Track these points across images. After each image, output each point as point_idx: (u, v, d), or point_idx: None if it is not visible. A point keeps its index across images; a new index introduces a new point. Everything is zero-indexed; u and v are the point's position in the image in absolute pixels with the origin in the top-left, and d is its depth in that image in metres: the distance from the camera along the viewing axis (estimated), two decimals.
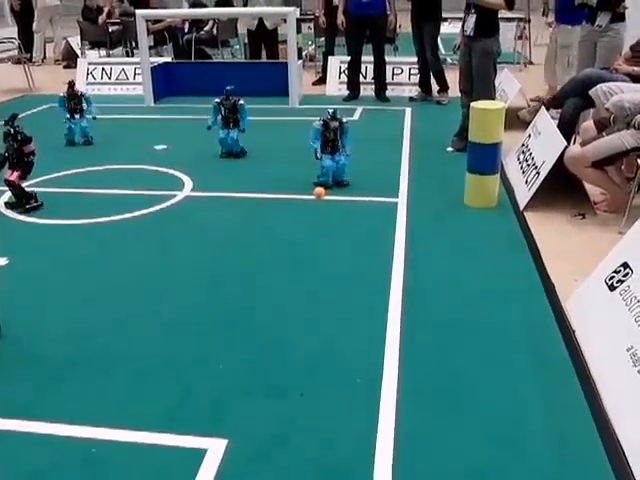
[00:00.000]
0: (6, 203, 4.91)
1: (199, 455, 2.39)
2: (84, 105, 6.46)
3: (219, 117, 6.00)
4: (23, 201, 4.82)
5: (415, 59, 8.30)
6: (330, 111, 5.07)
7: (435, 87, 8.31)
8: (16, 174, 4.72)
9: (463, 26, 5.88)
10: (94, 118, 6.52)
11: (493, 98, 5.71)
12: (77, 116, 6.47)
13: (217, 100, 6.00)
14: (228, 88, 5.94)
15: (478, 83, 5.74)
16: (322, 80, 9.49)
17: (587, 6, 6.33)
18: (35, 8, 11.87)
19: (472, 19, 5.68)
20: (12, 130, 4.67)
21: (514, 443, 2.44)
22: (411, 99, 8.38)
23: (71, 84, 6.52)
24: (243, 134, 6.04)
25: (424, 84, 8.33)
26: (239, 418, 2.60)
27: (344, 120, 5.12)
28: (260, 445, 2.45)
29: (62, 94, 6.47)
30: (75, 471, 2.35)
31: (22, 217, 4.70)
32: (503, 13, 6.17)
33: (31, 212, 4.77)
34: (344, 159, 5.13)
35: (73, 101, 6.44)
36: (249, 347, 3.09)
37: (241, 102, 5.99)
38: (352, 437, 2.48)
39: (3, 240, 4.33)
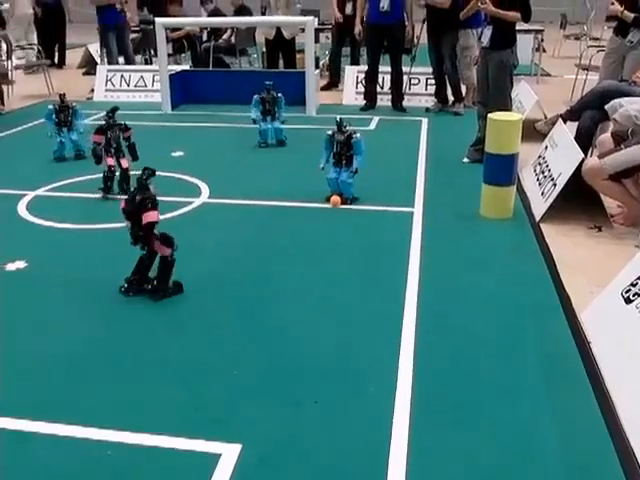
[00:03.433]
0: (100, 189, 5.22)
1: (213, 460, 2.40)
2: (74, 118, 6.15)
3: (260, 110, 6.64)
4: (125, 187, 5.16)
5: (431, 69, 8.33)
6: (337, 121, 4.90)
7: (451, 98, 8.33)
8: (126, 160, 5.19)
9: (480, 38, 5.90)
10: (81, 133, 6.22)
11: (509, 110, 5.70)
12: (65, 129, 6.16)
13: (257, 96, 6.61)
14: (267, 83, 6.60)
15: (494, 95, 5.75)
16: (331, 85, 9.63)
17: (620, 19, 6.38)
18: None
19: (489, 31, 5.70)
20: (115, 121, 5.17)
21: (528, 456, 2.43)
22: (427, 110, 8.39)
23: (61, 96, 6.18)
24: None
25: (440, 94, 8.34)
26: (253, 424, 2.61)
27: (355, 135, 4.90)
28: (274, 451, 2.46)
29: (51, 105, 6.15)
30: (90, 473, 2.37)
31: (41, 221, 4.75)
32: (520, 25, 6.19)
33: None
34: (346, 176, 4.95)
35: (63, 113, 6.10)
36: (264, 354, 3.10)
37: (279, 95, 6.61)
38: (365, 446, 2.48)
39: (22, 243, 4.38)
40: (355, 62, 9.81)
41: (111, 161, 5.15)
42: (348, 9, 9.32)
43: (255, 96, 6.65)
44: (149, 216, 3.43)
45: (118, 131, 5.18)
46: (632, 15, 6.26)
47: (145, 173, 3.52)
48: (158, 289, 3.62)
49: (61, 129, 6.18)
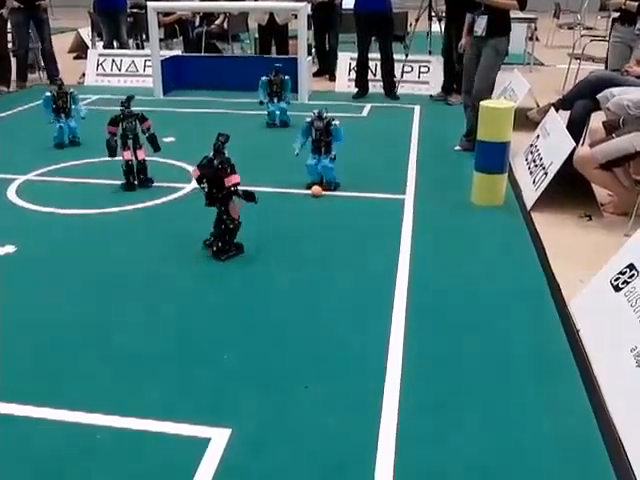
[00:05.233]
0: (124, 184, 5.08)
1: (203, 444, 2.40)
2: (71, 104, 6.10)
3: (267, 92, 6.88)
4: (143, 177, 5.10)
5: (425, 57, 8.32)
6: (315, 111, 4.92)
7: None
8: (143, 152, 5.04)
9: (472, 27, 5.75)
10: (83, 118, 6.21)
11: (489, 97, 5.64)
12: (63, 116, 6.08)
13: (265, 78, 6.82)
14: (277, 65, 6.84)
15: (480, 81, 5.68)
16: (321, 72, 9.72)
17: (624, 10, 6.41)
18: None
19: (483, 19, 5.60)
20: (131, 111, 4.96)
21: (515, 443, 2.45)
22: (431, 97, 8.35)
23: (59, 82, 6.15)
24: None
25: (446, 84, 8.28)
26: (243, 408, 2.61)
27: (334, 122, 4.89)
28: (263, 436, 2.47)
29: (48, 93, 6.05)
30: (80, 456, 2.37)
31: (30, 205, 4.73)
32: (514, 13, 6.17)
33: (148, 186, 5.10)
34: (327, 162, 4.92)
35: (61, 100, 6.03)
36: (253, 339, 3.11)
37: (287, 77, 6.86)
38: (355, 431, 2.49)
39: (11, 228, 4.36)
40: (332, 49, 9.74)
41: (128, 155, 4.97)
42: None
43: (263, 78, 6.82)
44: (232, 179, 3.77)
45: (134, 121, 4.97)
46: (635, 4, 6.28)
47: (220, 139, 3.78)
48: (222, 250, 3.90)
49: (59, 115, 6.09)
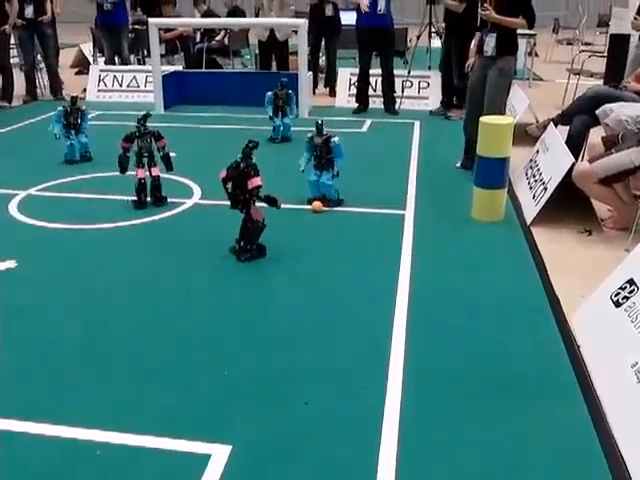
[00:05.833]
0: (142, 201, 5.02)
1: (203, 460, 2.40)
2: (82, 121, 6.11)
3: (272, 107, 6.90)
4: (157, 195, 5.04)
5: (425, 72, 8.35)
6: (318, 123, 4.91)
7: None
8: (157, 169, 4.98)
9: (482, 47, 5.56)
10: (86, 136, 6.20)
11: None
12: (73, 132, 6.10)
13: (270, 93, 6.85)
14: (283, 79, 6.93)
15: (493, 101, 5.50)
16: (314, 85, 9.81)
17: None
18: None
19: (492, 38, 5.45)
20: (147, 128, 4.92)
21: (516, 457, 2.44)
22: (431, 112, 8.39)
23: (73, 99, 6.10)
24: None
25: (444, 99, 8.31)
26: (244, 425, 2.61)
27: (334, 139, 4.87)
28: (264, 452, 2.46)
29: (61, 107, 6.05)
30: (79, 473, 2.37)
31: (32, 221, 4.74)
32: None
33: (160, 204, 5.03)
34: (326, 179, 4.93)
35: (72, 116, 6.03)
36: (254, 354, 3.10)
37: (290, 92, 6.93)
38: (355, 447, 2.49)
39: (12, 243, 4.37)
40: (332, 65, 9.78)
41: (142, 173, 4.90)
42: (329, 11, 9.43)
43: (269, 93, 6.86)
44: (254, 181, 3.93)
45: (150, 139, 4.92)
46: None
47: (250, 144, 3.96)
48: (244, 249, 4.05)
49: (70, 131, 6.09)
